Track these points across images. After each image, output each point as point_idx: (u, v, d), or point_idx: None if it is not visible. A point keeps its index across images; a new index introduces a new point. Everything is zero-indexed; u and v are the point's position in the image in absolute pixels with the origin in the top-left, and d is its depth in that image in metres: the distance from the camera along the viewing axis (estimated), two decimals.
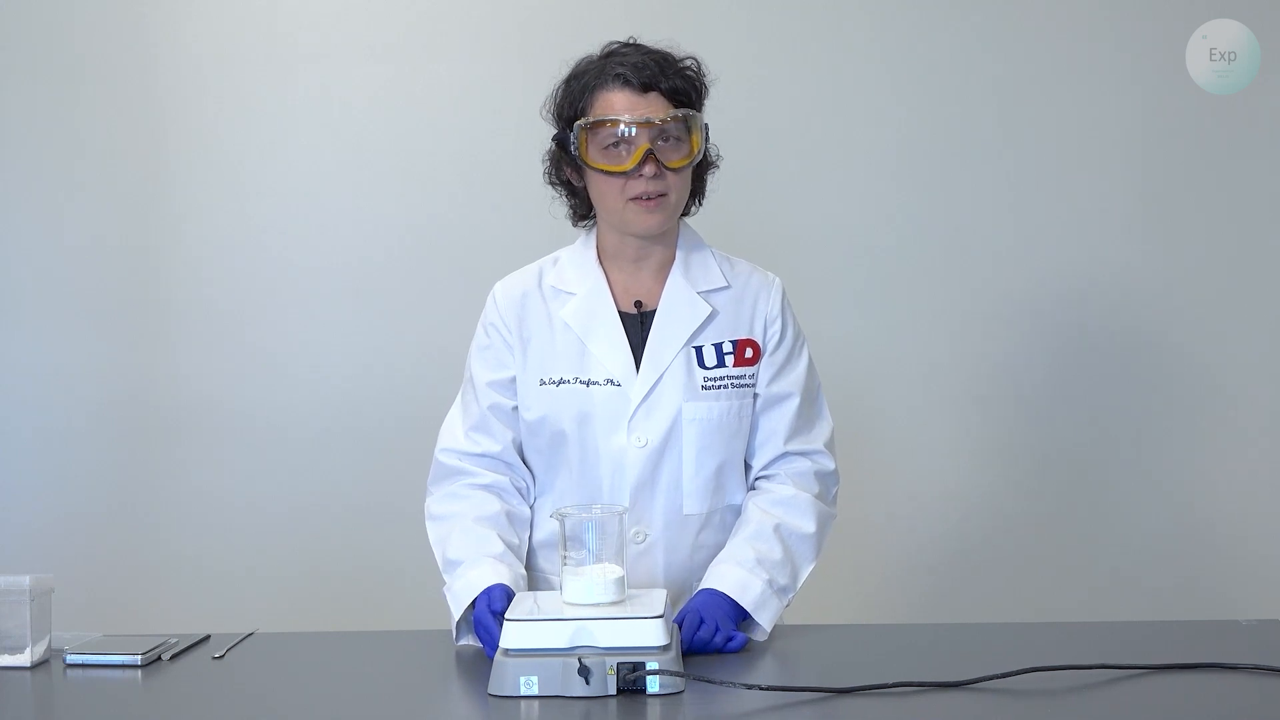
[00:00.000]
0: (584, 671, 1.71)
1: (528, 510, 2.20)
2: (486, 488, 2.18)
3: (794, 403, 2.21)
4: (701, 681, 1.74)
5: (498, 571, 2.04)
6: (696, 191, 2.22)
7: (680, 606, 2.11)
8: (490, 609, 1.95)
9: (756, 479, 2.23)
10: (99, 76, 3.39)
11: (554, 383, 2.15)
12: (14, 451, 3.42)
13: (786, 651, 2.00)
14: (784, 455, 2.21)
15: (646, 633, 1.76)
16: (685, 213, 2.23)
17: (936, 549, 3.42)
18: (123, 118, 3.40)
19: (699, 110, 2.14)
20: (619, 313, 2.17)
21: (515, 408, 2.20)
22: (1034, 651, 1.88)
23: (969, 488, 3.42)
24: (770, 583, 2.08)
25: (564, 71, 2.17)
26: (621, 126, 2.07)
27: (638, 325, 2.17)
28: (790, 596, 2.12)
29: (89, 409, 3.41)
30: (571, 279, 2.20)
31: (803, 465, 2.22)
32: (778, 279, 2.25)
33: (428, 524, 2.22)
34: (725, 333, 2.18)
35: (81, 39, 3.39)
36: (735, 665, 1.94)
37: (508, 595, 1.97)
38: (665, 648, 1.76)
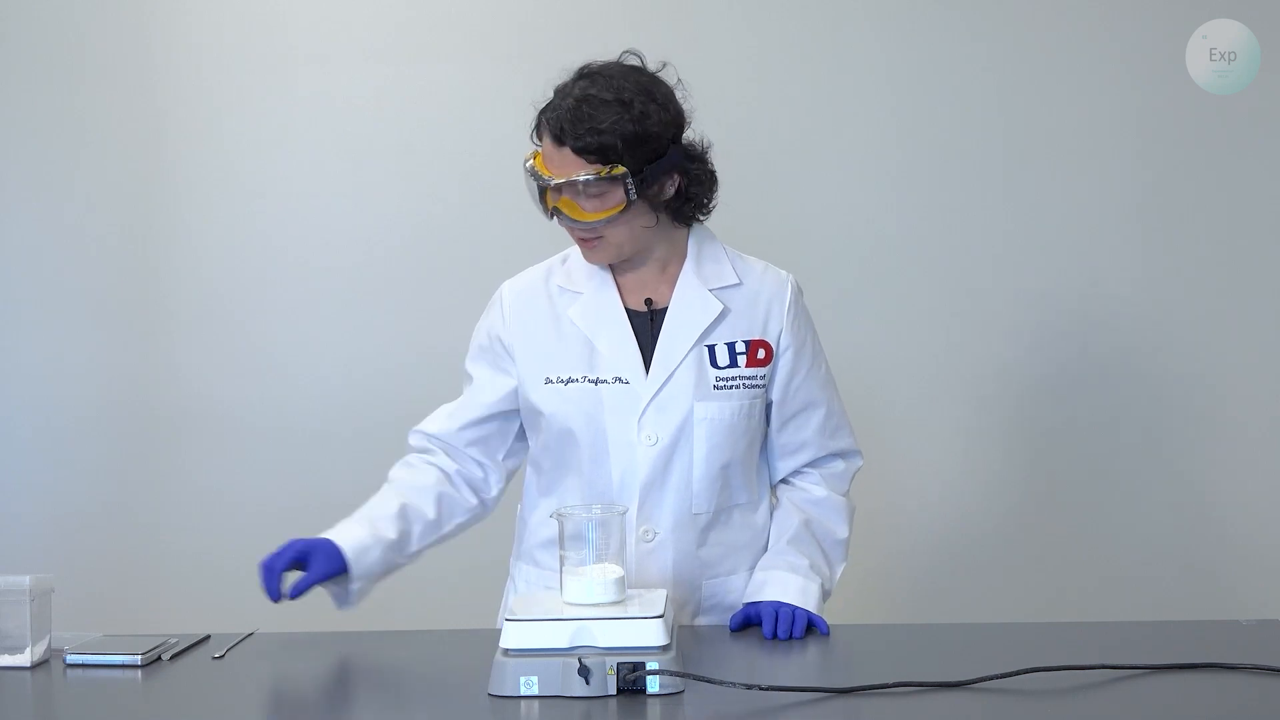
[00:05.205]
0: (584, 671, 1.71)
1: (472, 501, 2.25)
2: (434, 465, 2.25)
3: (821, 411, 2.24)
4: (701, 681, 1.74)
5: (343, 530, 2.13)
6: (691, 209, 2.17)
7: (687, 606, 2.16)
8: (290, 556, 2.06)
9: (790, 476, 2.27)
10: (100, 77, 3.39)
11: (562, 381, 2.16)
12: (14, 451, 3.42)
13: (787, 651, 2.00)
14: (817, 459, 2.26)
15: (646, 633, 1.76)
16: (687, 224, 2.21)
17: (937, 549, 3.42)
18: (123, 118, 3.40)
19: (627, 161, 2.04)
20: (628, 311, 2.18)
21: (505, 412, 2.22)
22: (1034, 651, 1.87)
23: (969, 488, 3.42)
24: (822, 586, 2.16)
25: (565, 76, 2.16)
26: (536, 177, 2.08)
27: (648, 323, 2.17)
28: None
29: (89, 408, 3.41)
30: (579, 278, 2.21)
31: (838, 466, 2.28)
32: (791, 277, 2.25)
33: None
34: (738, 332, 2.18)
35: (82, 39, 3.39)
36: (735, 665, 1.94)
37: (329, 555, 2.08)
38: (665, 648, 1.76)
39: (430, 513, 2.20)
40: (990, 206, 3.39)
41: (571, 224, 2.10)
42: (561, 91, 2.10)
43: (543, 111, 2.10)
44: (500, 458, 2.26)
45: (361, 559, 2.11)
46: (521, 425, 2.25)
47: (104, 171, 3.42)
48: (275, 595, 2.05)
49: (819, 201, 3.38)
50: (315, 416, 3.40)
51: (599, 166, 2.04)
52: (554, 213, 2.09)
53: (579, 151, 2.04)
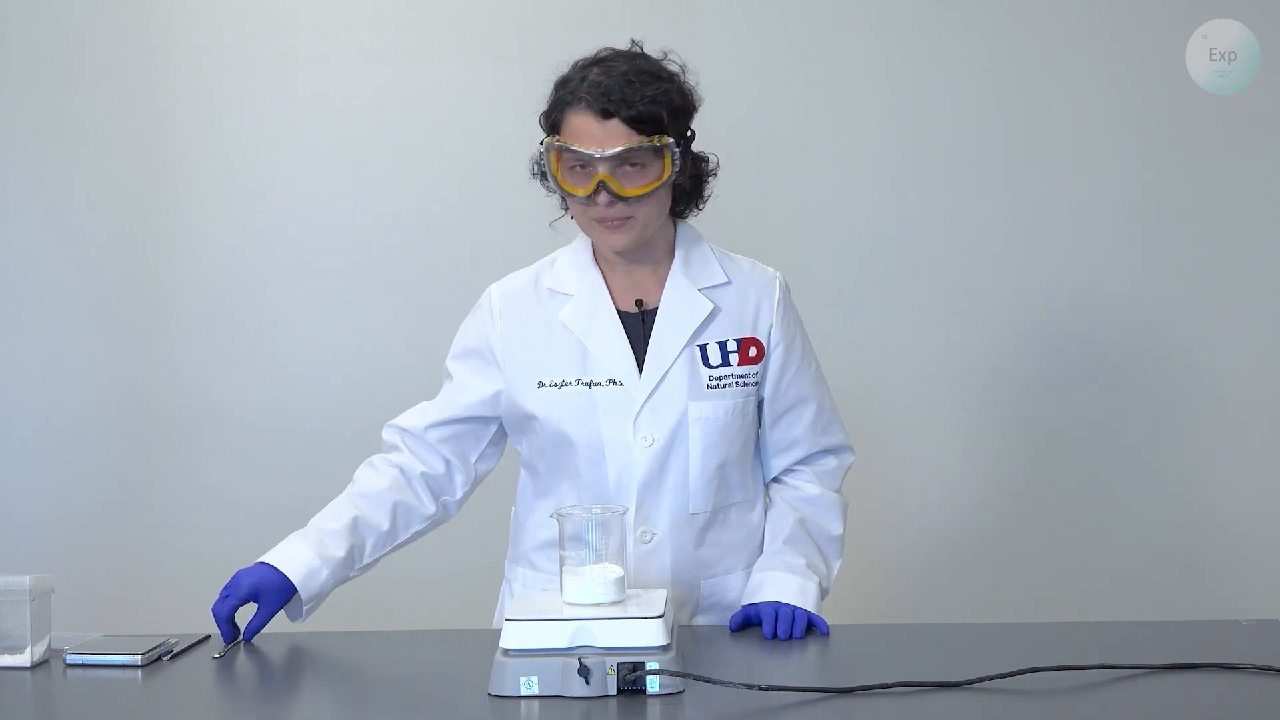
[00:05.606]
0: (584, 671, 1.71)
1: (430, 508, 2.22)
2: (398, 467, 2.22)
3: (812, 407, 2.24)
4: (701, 681, 1.74)
5: (291, 554, 2.11)
6: (694, 198, 2.20)
7: (685, 606, 2.16)
8: (235, 602, 2.06)
9: (782, 474, 2.27)
10: (100, 77, 3.39)
11: (555, 385, 2.15)
12: (14, 451, 3.42)
13: (787, 651, 2.00)
14: (809, 455, 2.26)
15: (646, 633, 1.76)
16: (682, 217, 2.22)
17: (937, 549, 3.42)
18: (123, 117, 3.40)
19: (672, 131, 2.07)
20: (619, 312, 2.17)
21: (483, 416, 2.21)
22: (1034, 651, 1.88)
23: (969, 488, 3.42)
24: (819, 584, 2.16)
25: (562, 70, 2.15)
26: (579, 154, 2.06)
27: (639, 324, 2.17)
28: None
29: (89, 408, 3.41)
30: (569, 280, 2.20)
31: (830, 463, 2.28)
32: (778, 274, 2.25)
33: None
34: (729, 331, 2.18)
35: (82, 39, 3.39)
36: (735, 665, 1.94)
37: (277, 590, 2.08)
38: (665, 648, 1.76)
39: (384, 524, 2.18)
40: (990, 206, 3.39)
41: (613, 199, 2.06)
42: (574, 78, 2.09)
43: (576, 91, 2.07)
44: (473, 459, 2.24)
45: (309, 583, 2.10)
46: (498, 430, 2.24)
47: (104, 171, 3.41)
48: (229, 641, 2.06)
49: (819, 201, 3.38)
50: (315, 416, 3.40)
51: (648, 136, 2.05)
52: (599, 188, 2.05)
53: (630, 121, 2.04)
